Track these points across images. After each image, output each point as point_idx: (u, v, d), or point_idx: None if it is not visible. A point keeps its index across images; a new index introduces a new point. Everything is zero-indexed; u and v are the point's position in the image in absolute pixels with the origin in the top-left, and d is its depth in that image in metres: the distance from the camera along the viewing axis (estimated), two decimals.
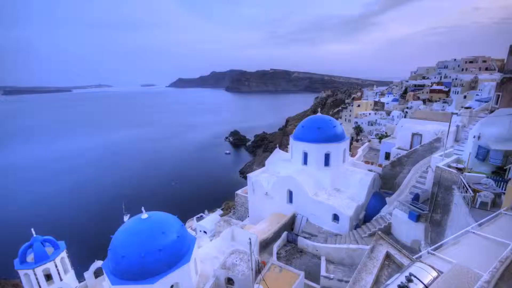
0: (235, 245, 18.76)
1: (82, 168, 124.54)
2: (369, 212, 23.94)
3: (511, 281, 4.37)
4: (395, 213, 18.51)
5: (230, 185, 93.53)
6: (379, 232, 9.93)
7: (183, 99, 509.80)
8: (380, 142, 35.45)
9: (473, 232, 7.82)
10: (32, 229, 15.94)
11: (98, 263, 16.74)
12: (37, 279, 14.84)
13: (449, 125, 18.98)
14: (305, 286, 15.71)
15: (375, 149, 37.10)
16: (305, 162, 26.42)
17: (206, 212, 48.64)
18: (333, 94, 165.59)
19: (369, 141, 39.41)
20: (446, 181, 14.71)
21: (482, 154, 17.27)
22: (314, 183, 25.13)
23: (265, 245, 21.55)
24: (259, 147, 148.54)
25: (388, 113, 77.03)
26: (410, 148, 27.62)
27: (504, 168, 16.06)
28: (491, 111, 20.67)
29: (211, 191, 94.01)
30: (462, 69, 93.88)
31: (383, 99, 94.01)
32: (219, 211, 48.44)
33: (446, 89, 79.55)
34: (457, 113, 22.25)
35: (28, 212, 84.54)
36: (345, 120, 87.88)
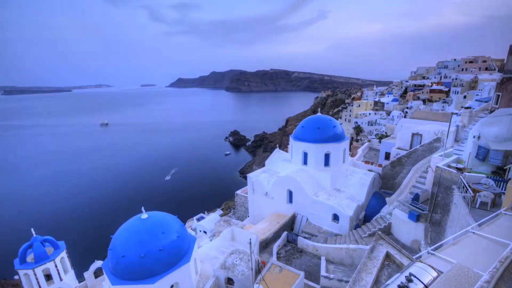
0: (235, 245, 18.77)
1: (82, 168, 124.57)
2: (369, 212, 23.95)
3: (511, 281, 4.36)
4: (395, 213, 18.51)
5: (230, 185, 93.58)
6: (379, 232, 9.94)
7: (183, 99, 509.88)
8: (380, 142, 35.43)
9: (473, 232, 7.82)
10: (32, 229, 15.95)
11: (98, 263, 16.74)
12: (37, 279, 14.84)
13: (449, 125, 18.99)
14: (305, 286, 15.71)
15: (375, 149, 37.09)
16: (305, 162, 26.42)
17: (205, 212, 48.65)
18: (333, 94, 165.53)
19: (369, 141, 39.40)
20: (446, 181, 14.72)
21: (482, 154, 17.30)
22: (314, 183, 25.13)
23: (265, 245, 21.56)
24: (259, 147, 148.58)
25: (388, 113, 77.07)
26: (410, 148, 27.62)
27: (504, 168, 16.08)
28: (491, 111, 20.66)
29: (211, 191, 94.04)
30: (462, 69, 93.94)
31: (383, 99, 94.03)
32: (219, 211, 48.47)
33: (446, 89, 79.57)
34: (457, 113, 22.27)
35: (28, 212, 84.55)
36: (345, 120, 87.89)
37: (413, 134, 28.88)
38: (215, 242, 20.15)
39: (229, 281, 15.18)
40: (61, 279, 15.81)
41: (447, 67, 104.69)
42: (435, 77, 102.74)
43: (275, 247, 20.40)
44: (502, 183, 14.23)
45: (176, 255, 13.57)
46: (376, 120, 75.77)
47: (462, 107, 35.06)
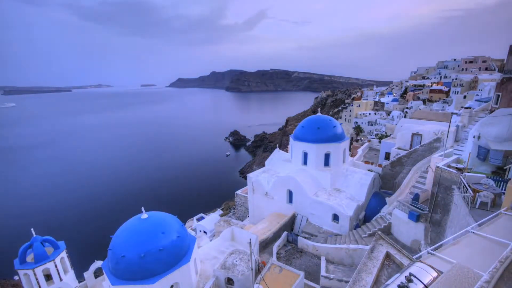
0: (235, 245, 18.77)
1: (82, 168, 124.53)
2: (369, 212, 23.95)
3: (511, 281, 4.36)
4: (395, 213, 18.51)
5: (230, 185, 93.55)
6: (379, 232, 9.94)
7: (183, 99, 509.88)
8: (380, 142, 35.44)
9: (473, 232, 7.82)
10: (32, 229, 15.95)
11: (98, 263, 16.74)
12: (37, 279, 14.85)
13: (449, 125, 18.99)
14: (305, 286, 15.71)
15: (375, 149, 37.08)
16: (305, 162, 26.42)
17: (206, 213, 48.66)
18: (333, 94, 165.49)
19: (369, 141, 39.39)
20: (446, 181, 14.71)
21: (482, 154, 17.31)
22: (314, 183, 25.14)
23: (265, 245, 21.56)
24: (259, 147, 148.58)
25: (388, 113, 77.08)
26: (410, 148, 27.62)
27: (504, 168, 16.09)
28: (491, 111, 20.68)
29: (211, 191, 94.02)
30: (462, 69, 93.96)
31: (383, 99, 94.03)
32: (219, 211, 48.48)
33: (446, 89, 79.59)
34: (457, 113, 22.27)
35: (28, 212, 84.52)
36: (345, 120, 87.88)
37: (413, 134, 28.87)
38: (215, 242, 20.14)
39: (229, 281, 15.19)
40: (61, 279, 15.82)
41: (447, 67, 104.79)
42: (435, 77, 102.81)
43: (275, 247, 20.40)
44: (502, 183, 14.22)
45: (176, 255, 13.57)
46: (376, 120, 75.77)
47: (462, 107, 35.07)
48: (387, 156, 31.14)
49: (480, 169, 17.21)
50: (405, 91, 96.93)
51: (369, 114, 79.00)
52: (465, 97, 55.23)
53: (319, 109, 34.51)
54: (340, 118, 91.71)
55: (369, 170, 27.16)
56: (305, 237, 22.02)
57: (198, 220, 40.95)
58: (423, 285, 5.23)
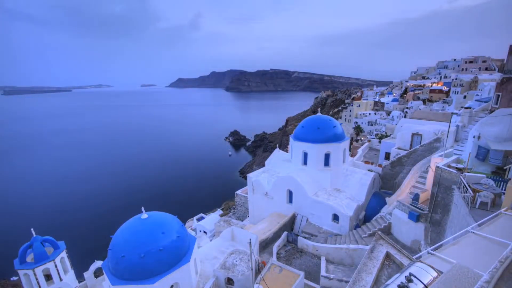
0: (235, 245, 18.77)
1: (82, 168, 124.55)
2: (369, 212, 23.95)
3: (511, 281, 4.36)
4: (395, 213, 18.51)
5: (230, 185, 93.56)
6: (379, 232, 9.95)
7: (183, 99, 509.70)
8: (380, 142, 35.43)
9: (473, 232, 7.82)
10: (32, 229, 15.95)
11: (98, 263, 16.74)
12: (37, 279, 14.84)
13: (449, 125, 19.00)
14: (305, 286, 15.69)
15: (375, 149, 37.07)
16: (305, 162, 26.42)
17: (206, 213, 48.63)
18: (333, 94, 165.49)
19: (369, 141, 39.38)
20: (446, 181, 14.71)
21: (482, 154, 17.31)
22: (314, 183, 25.13)
23: (265, 245, 21.56)
24: (259, 147, 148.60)
25: (388, 113, 77.06)
26: (410, 148, 27.62)
27: (504, 168, 16.09)
28: (491, 111, 20.68)
29: (211, 191, 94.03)
30: (462, 69, 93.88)
31: (383, 99, 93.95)
32: (219, 211, 48.44)
33: (446, 89, 79.57)
34: (457, 113, 22.30)
35: (28, 212, 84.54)
36: (345, 120, 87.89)
37: (413, 134, 28.87)
38: (215, 242, 20.14)
39: (229, 281, 15.18)
40: (61, 279, 15.81)
41: (447, 67, 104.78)
42: (435, 77, 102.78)
43: (275, 247, 20.40)
44: (502, 183, 14.22)
45: (176, 255, 13.57)
46: (376, 120, 75.78)
47: (462, 107, 35.07)
48: (387, 156, 31.14)
49: (480, 169, 17.22)
50: (405, 91, 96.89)
51: (369, 114, 79.00)
52: (465, 97, 55.21)
53: (319, 109, 34.48)
54: (340, 118, 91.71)
55: (369, 170, 27.16)
56: (305, 237, 22.01)
57: (198, 220, 40.90)
58: (423, 285, 5.23)
